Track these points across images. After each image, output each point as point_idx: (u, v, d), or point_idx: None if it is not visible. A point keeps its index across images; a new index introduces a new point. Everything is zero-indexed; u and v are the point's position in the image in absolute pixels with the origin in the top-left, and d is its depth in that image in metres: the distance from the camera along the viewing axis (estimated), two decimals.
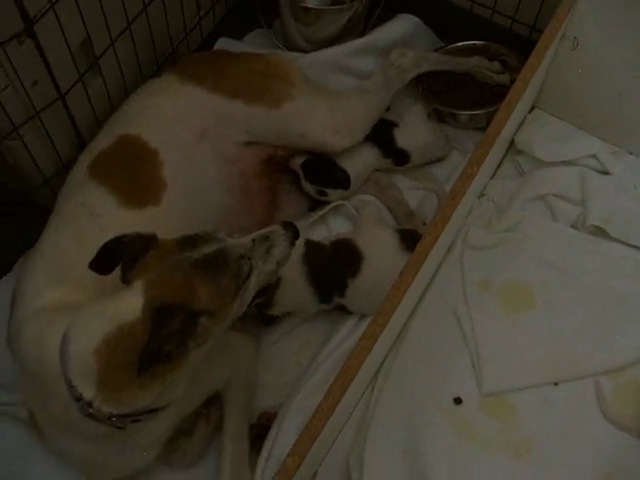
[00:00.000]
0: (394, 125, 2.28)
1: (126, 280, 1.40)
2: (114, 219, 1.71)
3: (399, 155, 2.28)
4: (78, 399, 1.35)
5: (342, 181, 2.14)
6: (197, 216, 1.86)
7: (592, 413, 1.84)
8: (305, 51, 2.52)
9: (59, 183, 1.90)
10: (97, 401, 1.35)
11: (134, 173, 1.81)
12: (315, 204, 2.26)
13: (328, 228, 2.25)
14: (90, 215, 1.71)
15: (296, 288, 1.95)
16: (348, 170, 2.14)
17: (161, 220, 1.74)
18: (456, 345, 1.95)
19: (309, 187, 2.15)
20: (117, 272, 1.42)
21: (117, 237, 1.42)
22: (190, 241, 1.43)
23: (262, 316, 2.00)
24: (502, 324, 1.96)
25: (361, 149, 2.21)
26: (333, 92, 2.18)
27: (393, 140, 2.26)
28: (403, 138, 2.26)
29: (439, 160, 2.38)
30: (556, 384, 1.88)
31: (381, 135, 2.24)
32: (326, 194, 2.17)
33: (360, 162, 2.21)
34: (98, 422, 1.38)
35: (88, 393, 1.34)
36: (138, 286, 1.35)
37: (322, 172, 2.13)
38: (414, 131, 2.28)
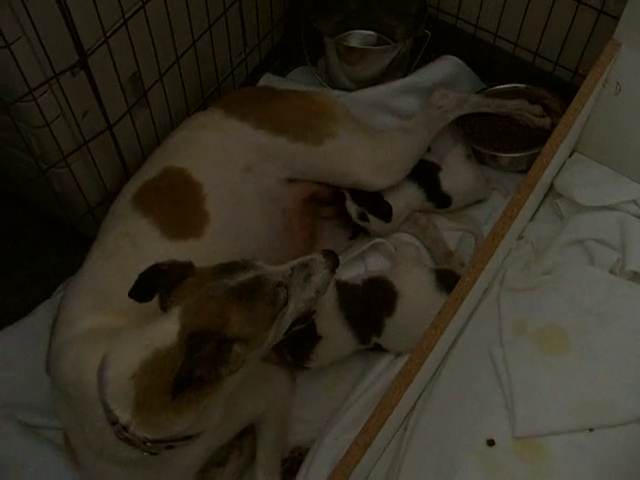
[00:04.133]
0: (438, 169, 2.29)
1: (164, 307, 1.42)
2: (156, 250, 1.72)
3: (442, 199, 2.29)
4: (114, 423, 1.37)
5: (385, 212, 2.16)
6: (238, 250, 1.85)
7: (627, 460, 1.81)
8: (348, 89, 2.54)
9: (102, 212, 1.92)
10: (133, 425, 1.36)
11: (177, 205, 1.83)
12: (354, 237, 2.27)
13: (365, 265, 2.25)
14: (132, 245, 1.73)
15: (336, 337, 1.93)
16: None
17: (202, 253, 1.74)
18: (490, 386, 1.93)
19: (352, 208, 2.15)
20: (157, 300, 1.45)
21: (154, 265, 1.44)
22: (228, 268, 1.44)
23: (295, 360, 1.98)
24: (537, 367, 1.95)
25: (406, 188, 2.23)
26: (375, 131, 2.19)
27: (438, 183, 2.27)
28: (446, 182, 2.28)
29: (479, 201, 2.38)
30: (591, 430, 1.86)
31: (426, 178, 2.26)
32: (367, 219, 2.16)
33: (402, 200, 2.22)
34: (133, 447, 1.40)
35: (124, 417, 1.36)
36: (175, 312, 1.37)
37: (368, 196, 2.14)
38: (456, 175, 2.29)
